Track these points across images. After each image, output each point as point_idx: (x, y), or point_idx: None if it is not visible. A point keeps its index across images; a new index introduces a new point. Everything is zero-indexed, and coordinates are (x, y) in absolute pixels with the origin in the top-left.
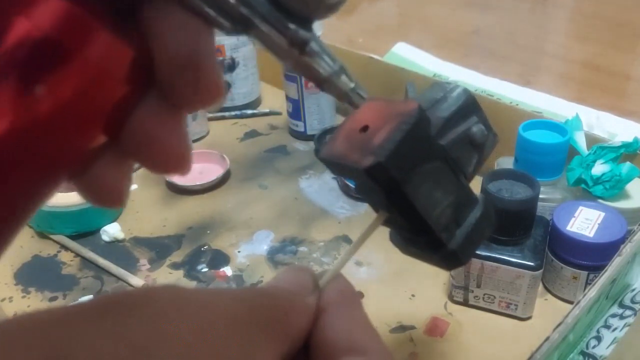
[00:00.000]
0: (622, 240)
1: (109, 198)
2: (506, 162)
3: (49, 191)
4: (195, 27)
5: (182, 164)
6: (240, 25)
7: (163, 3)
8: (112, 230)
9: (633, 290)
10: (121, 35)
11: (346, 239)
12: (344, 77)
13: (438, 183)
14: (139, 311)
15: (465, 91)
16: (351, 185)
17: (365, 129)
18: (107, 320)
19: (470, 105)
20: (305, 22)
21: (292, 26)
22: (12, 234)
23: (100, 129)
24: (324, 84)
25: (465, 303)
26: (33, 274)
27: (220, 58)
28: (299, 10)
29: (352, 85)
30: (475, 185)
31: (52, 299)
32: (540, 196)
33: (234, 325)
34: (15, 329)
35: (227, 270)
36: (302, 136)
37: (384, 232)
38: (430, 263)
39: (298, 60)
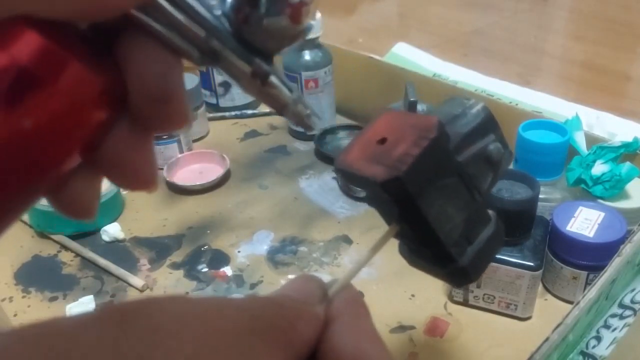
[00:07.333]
0: (622, 241)
1: (81, 212)
2: None
3: (25, 207)
4: (167, 60)
5: (149, 184)
6: (209, 57)
7: (135, 35)
8: (112, 230)
9: (633, 290)
10: (95, 65)
11: (346, 239)
12: (300, 106)
13: (452, 199)
14: (139, 322)
15: (485, 108)
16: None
17: (383, 141)
18: (107, 332)
19: (489, 122)
20: (267, 57)
21: (256, 60)
22: None
23: (75, 152)
24: (283, 110)
25: (465, 303)
26: (33, 274)
27: None
28: (262, 47)
29: (307, 111)
30: None
31: (52, 299)
32: (540, 196)
33: (234, 334)
34: (14, 340)
35: (227, 270)
36: (302, 136)
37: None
38: (438, 278)
39: (260, 89)
